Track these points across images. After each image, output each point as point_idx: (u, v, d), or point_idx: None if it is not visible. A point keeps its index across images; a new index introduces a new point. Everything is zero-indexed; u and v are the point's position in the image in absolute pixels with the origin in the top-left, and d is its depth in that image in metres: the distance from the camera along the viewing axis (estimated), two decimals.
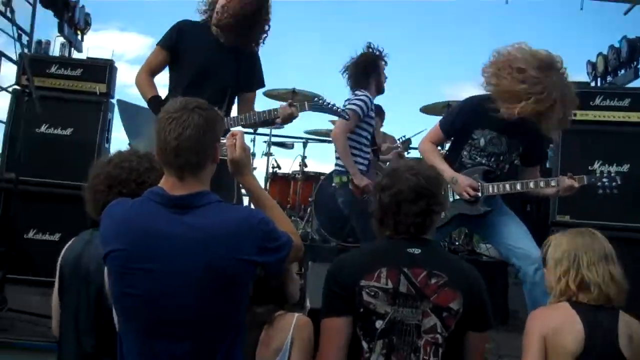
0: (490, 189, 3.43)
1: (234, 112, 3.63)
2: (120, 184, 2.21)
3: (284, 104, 3.39)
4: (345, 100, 4.32)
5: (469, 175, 3.47)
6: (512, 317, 4.43)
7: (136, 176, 2.22)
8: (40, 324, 3.43)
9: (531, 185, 3.41)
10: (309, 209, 5.70)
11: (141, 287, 1.84)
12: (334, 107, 3.44)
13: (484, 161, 3.49)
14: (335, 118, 5.17)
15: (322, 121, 5.37)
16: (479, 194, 3.41)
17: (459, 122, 3.52)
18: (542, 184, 3.41)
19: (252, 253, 1.90)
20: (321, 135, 6.00)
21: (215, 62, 3.48)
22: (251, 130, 6.41)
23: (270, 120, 3.44)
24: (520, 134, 3.41)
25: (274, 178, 6.20)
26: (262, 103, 3.76)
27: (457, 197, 3.47)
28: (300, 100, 3.36)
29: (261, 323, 2.18)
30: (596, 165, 4.62)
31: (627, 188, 4.39)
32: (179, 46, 3.50)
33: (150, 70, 3.51)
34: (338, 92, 4.60)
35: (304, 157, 6.00)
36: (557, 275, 2.38)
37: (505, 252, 3.38)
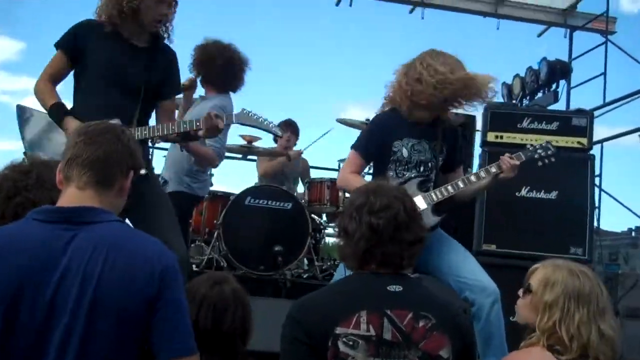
0: (434, 196, 3.20)
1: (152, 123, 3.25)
2: None
3: (211, 112, 3.08)
4: None
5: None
6: None
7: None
8: None
9: (472, 178, 3.24)
10: (215, 233, 5.16)
11: (16, 332, 1.56)
12: (265, 122, 3.17)
13: (413, 175, 3.26)
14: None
15: (231, 137, 4.92)
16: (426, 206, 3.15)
17: (375, 138, 3.30)
18: (482, 173, 3.24)
19: (150, 289, 1.62)
20: (231, 152, 5.49)
21: (122, 62, 3.10)
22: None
23: (192, 132, 3.08)
24: (438, 136, 3.29)
25: None
26: None
27: None
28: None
29: None
30: (524, 192, 4.49)
31: (554, 217, 4.33)
32: (79, 47, 3.11)
33: (50, 77, 3.14)
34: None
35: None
36: (544, 319, 2.07)
37: (456, 284, 3.09)
